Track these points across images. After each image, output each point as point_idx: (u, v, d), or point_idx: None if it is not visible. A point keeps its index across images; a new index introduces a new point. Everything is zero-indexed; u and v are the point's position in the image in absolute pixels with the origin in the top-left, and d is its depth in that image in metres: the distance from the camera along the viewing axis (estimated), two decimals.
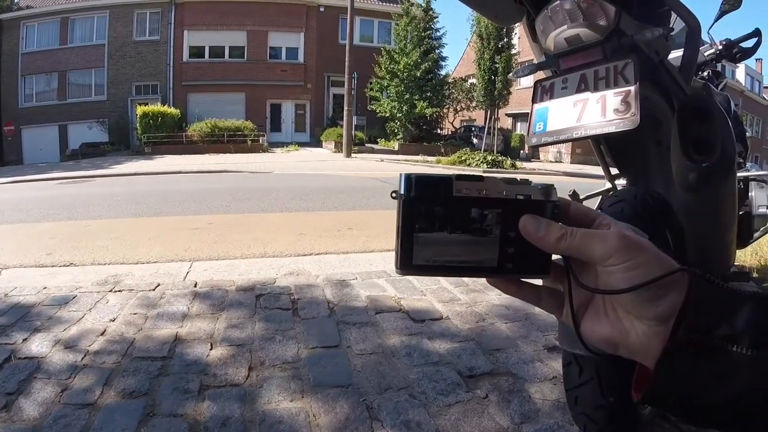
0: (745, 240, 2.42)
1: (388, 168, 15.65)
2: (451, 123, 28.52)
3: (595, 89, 1.23)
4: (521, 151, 26.45)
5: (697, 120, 1.32)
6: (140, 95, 26.71)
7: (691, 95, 1.38)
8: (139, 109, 23.16)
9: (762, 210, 2.29)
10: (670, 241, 1.55)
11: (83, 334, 2.25)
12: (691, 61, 1.47)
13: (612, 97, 1.19)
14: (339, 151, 21.71)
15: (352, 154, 20.60)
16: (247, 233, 4.95)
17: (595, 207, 1.55)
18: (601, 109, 1.20)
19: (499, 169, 17.28)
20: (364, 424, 1.63)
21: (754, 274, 3.32)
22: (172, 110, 24.12)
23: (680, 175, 1.37)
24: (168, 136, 22.83)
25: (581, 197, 1.95)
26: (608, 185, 1.99)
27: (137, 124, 23.41)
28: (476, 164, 17.71)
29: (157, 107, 23.50)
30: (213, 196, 8.14)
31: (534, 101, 1.35)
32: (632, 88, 1.16)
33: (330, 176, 12.51)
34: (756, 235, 2.38)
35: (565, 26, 1.27)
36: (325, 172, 13.93)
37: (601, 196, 1.99)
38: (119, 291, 2.84)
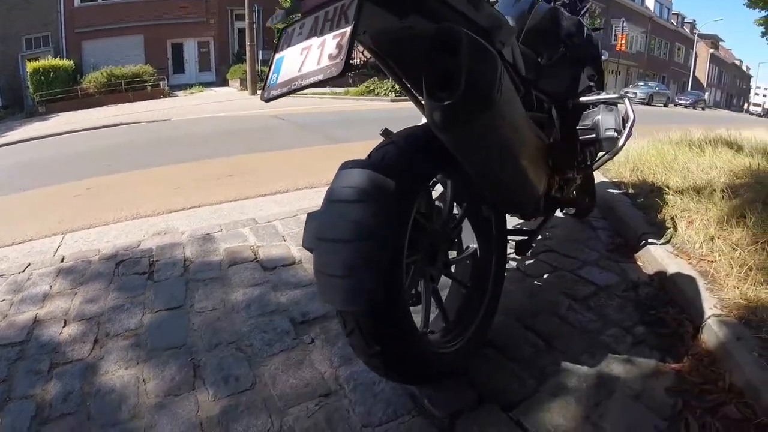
0: (587, 164, 2.44)
1: (292, 103, 15.24)
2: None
3: (321, 33, 1.11)
4: None
5: (445, 53, 1.20)
6: (31, 49, 24.05)
7: (439, 26, 1.23)
8: (30, 66, 21.20)
9: (609, 133, 2.24)
10: (459, 182, 1.55)
11: None
12: None
13: (330, 41, 1.08)
14: (245, 89, 20.98)
15: (258, 91, 19.95)
16: (122, 193, 4.75)
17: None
18: (318, 56, 1.09)
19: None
20: (187, 384, 1.69)
21: (630, 190, 3.47)
22: (65, 62, 22.21)
23: (428, 116, 1.29)
24: (63, 92, 21.14)
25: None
26: None
27: (29, 83, 21.50)
28: (384, 93, 17.57)
29: (48, 61, 21.55)
30: (99, 157, 7.69)
31: (275, 50, 1.23)
32: (348, 29, 1.05)
33: (230, 118, 12.09)
34: (604, 158, 2.35)
35: None
36: (225, 114, 13.42)
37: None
38: None
